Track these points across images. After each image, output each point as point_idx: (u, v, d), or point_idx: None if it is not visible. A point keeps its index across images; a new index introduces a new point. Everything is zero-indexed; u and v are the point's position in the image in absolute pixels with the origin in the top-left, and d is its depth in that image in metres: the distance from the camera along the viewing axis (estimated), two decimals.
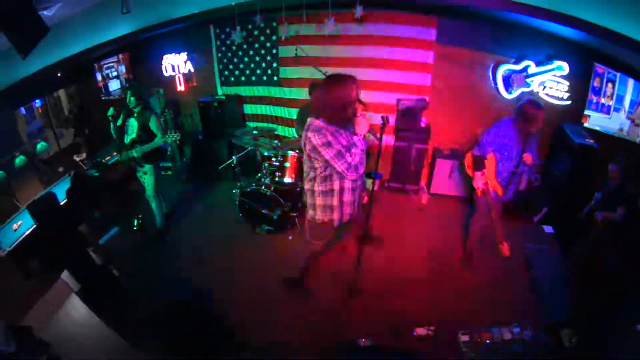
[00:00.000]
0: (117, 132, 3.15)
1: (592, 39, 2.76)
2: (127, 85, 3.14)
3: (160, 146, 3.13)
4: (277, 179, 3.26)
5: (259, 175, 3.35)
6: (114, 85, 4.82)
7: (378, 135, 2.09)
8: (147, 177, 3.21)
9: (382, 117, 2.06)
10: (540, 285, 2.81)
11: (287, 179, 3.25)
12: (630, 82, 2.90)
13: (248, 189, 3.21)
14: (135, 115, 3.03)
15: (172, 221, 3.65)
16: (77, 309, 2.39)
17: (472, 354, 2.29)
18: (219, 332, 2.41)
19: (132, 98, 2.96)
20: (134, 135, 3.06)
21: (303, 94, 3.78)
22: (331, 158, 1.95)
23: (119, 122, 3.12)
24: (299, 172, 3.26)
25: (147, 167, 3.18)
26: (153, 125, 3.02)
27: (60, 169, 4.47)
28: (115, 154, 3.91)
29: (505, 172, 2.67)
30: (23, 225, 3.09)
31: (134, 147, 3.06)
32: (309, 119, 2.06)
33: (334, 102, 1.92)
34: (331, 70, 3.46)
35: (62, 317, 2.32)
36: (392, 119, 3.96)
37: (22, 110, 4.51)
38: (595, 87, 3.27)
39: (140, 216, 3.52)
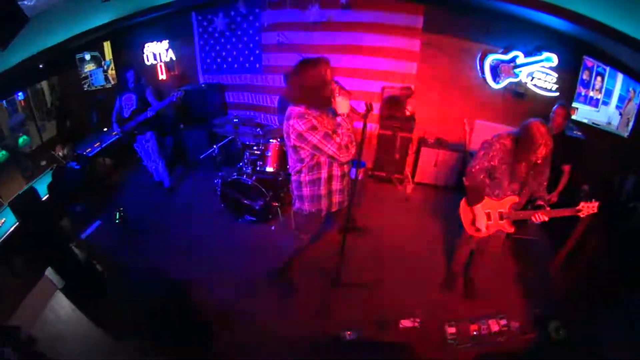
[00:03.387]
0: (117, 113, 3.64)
1: (582, 31, 2.76)
2: (128, 66, 3.64)
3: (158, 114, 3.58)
4: (258, 168, 3.25)
5: (241, 164, 3.33)
6: (99, 80, 4.78)
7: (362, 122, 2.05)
8: (150, 144, 3.65)
9: (366, 104, 2.03)
10: (528, 277, 2.83)
11: (269, 168, 3.24)
12: (620, 76, 2.89)
13: (229, 179, 3.20)
14: (133, 90, 3.49)
15: (153, 210, 3.66)
16: (62, 306, 2.42)
17: (458, 345, 2.31)
18: (203, 326, 2.41)
19: (132, 75, 3.48)
20: (135, 107, 3.49)
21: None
22: (319, 141, 1.91)
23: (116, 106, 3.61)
24: (280, 161, 3.24)
25: (149, 134, 3.60)
26: (149, 94, 3.50)
27: (43, 163, 4.43)
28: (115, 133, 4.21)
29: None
30: (6, 222, 3.06)
31: (134, 115, 3.49)
32: (288, 108, 2.02)
33: (308, 85, 1.89)
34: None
35: (47, 314, 2.34)
36: (377, 107, 3.96)
37: (4, 102, 4.45)
38: (584, 79, 3.27)
39: (121, 209, 3.50)
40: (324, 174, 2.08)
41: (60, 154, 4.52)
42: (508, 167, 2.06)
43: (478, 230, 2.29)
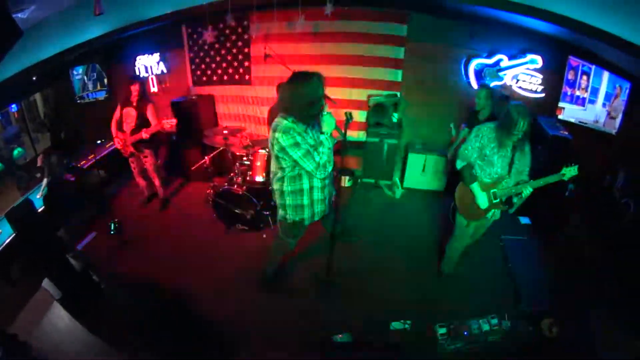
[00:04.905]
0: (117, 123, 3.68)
1: (565, 32, 2.86)
2: (134, 79, 3.63)
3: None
4: (248, 178, 3.39)
5: (231, 174, 3.48)
6: (93, 93, 4.93)
7: (343, 131, 2.18)
8: (148, 159, 3.74)
9: (346, 114, 2.16)
10: (519, 276, 2.91)
11: (259, 178, 3.38)
12: (606, 74, 3.00)
13: (221, 189, 3.33)
14: (135, 105, 3.50)
15: (147, 220, 3.81)
16: (60, 316, 2.48)
17: (449, 346, 2.37)
18: (197, 332, 2.51)
19: (136, 89, 3.50)
20: (133, 124, 3.52)
21: (274, 92, 3.91)
22: (300, 158, 2.03)
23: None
24: (269, 170, 3.35)
25: (147, 152, 3.68)
26: (149, 112, 3.51)
27: (38, 175, 4.57)
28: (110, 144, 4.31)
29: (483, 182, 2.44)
30: (3, 233, 3.17)
31: (133, 134, 3.53)
32: (276, 119, 2.11)
33: (300, 99, 1.98)
34: (302, 68, 3.60)
35: (45, 325, 2.42)
36: (363, 115, 4.11)
37: None
38: (570, 79, 3.38)
39: (116, 220, 3.64)
40: (305, 185, 2.19)
41: (40, 164, 4.62)
42: (496, 145, 2.31)
43: (476, 212, 2.47)
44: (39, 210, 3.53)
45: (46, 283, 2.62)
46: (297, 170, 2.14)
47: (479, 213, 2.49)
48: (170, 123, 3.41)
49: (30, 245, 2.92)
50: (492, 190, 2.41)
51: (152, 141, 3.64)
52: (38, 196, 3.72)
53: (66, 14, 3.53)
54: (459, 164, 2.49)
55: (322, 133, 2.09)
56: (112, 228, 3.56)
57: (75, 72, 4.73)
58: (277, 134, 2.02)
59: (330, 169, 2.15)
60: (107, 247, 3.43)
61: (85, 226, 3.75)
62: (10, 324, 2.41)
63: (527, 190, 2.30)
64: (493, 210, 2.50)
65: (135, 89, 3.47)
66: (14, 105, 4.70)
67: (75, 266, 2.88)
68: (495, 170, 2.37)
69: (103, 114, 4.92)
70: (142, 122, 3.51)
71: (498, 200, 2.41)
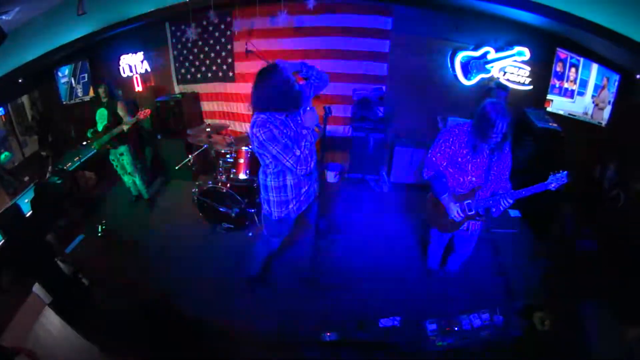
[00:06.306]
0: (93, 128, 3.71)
1: (554, 24, 2.86)
2: (100, 81, 3.69)
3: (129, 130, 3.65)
4: (232, 176, 3.39)
5: (215, 172, 3.49)
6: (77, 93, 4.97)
7: (322, 126, 2.19)
8: (125, 157, 3.73)
9: (325, 108, 2.16)
10: (510, 270, 2.92)
11: (242, 175, 3.38)
12: (594, 66, 3.01)
13: (205, 188, 3.34)
14: (105, 105, 3.56)
15: (134, 221, 3.85)
16: (52, 321, 2.48)
17: (440, 343, 2.36)
18: (185, 333, 2.52)
19: (103, 91, 3.57)
20: (105, 122, 3.57)
21: None
22: (278, 153, 1.99)
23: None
24: (253, 167, 3.37)
25: (123, 148, 3.67)
26: (120, 110, 3.57)
27: (26, 179, 4.62)
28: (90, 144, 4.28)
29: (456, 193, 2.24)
30: None
31: (107, 132, 3.57)
32: (253, 116, 2.10)
33: (272, 93, 1.96)
34: None
35: (38, 331, 2.40)
36: (348, 110, 4.14)
37: None
38: (558, 71, 3.40)
39: (104, 222, 3.69)
40: (289, 181, 2.18)
41: (44, 153, 4.69)
42: (469, 151, 2.07)
43: (446, 225, 2.34)
44: (27, 214, 3.58)
45: (36, 288, 2.64)
46: (281, 166, 2.12)
47: (452, 226, 2.32)
48: (144, 113, 3.49)
49: (20, 250, 2.98)
50: (466, 202, 2.21)
51: (127, 138, 3.65)
52: None
53: (49, 15, 3.57)
54: (426, 174, 2.26)
55: (304, 127, 2.07)
56: (100, 230, 3.62)
57: (60, 75, 4.75)
58: (255, 129, 2.01)
59: (312, 165, 2.11)
60: (96, 249, 3.46)
61: (73, 229, 3.77)
62: (2, 331, 2.39)
63: (507, 202, 2.04)
64: (469, 223, 2.31)
65: (102, 90, 3.54)
66: (0, 109, 4.74)
67: (65, 270, 2.94)
68: (470, 179, 2.16)
69: (90, 115, 5.01)
70: (115, 119, 3.57)
71: (474, 212, 2.21)
